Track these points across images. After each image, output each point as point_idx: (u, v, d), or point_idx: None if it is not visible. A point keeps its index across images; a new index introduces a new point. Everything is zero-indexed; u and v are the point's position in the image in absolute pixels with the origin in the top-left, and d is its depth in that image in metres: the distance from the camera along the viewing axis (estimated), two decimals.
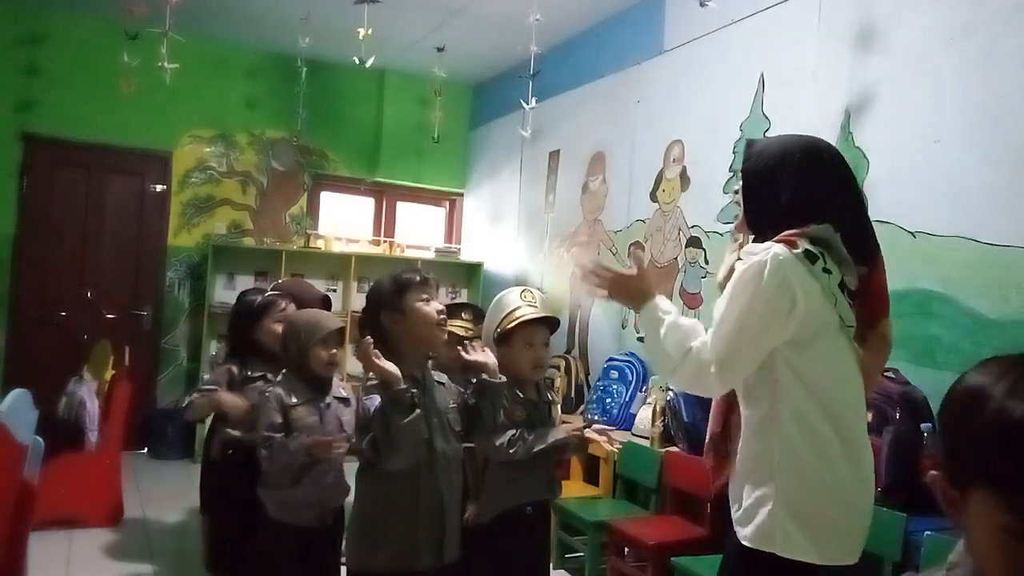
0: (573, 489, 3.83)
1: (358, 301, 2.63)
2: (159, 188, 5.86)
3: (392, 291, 2.07)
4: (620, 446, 3.73)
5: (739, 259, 1.71)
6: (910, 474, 2.50)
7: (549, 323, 2.45)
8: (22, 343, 5.44)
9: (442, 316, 2.08)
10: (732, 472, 1.79)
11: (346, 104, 6.28)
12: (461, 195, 6.78)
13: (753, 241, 1.77)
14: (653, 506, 3.52)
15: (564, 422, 2.59)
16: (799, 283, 1.60)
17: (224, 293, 5.77)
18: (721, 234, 3.80)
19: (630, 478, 3.72)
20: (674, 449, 3.50)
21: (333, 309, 3.19)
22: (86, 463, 4.17)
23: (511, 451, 2.27)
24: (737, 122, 3.75)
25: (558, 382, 4.64)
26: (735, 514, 1.73)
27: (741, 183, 1.82)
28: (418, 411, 1.94)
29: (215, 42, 5.81)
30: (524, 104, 4.09)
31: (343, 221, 6.48)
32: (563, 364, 4.76)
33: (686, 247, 4.07)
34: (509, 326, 2.35)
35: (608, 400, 4.19)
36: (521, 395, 2.37)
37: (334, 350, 2.53)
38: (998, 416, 0.79)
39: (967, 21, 2.74)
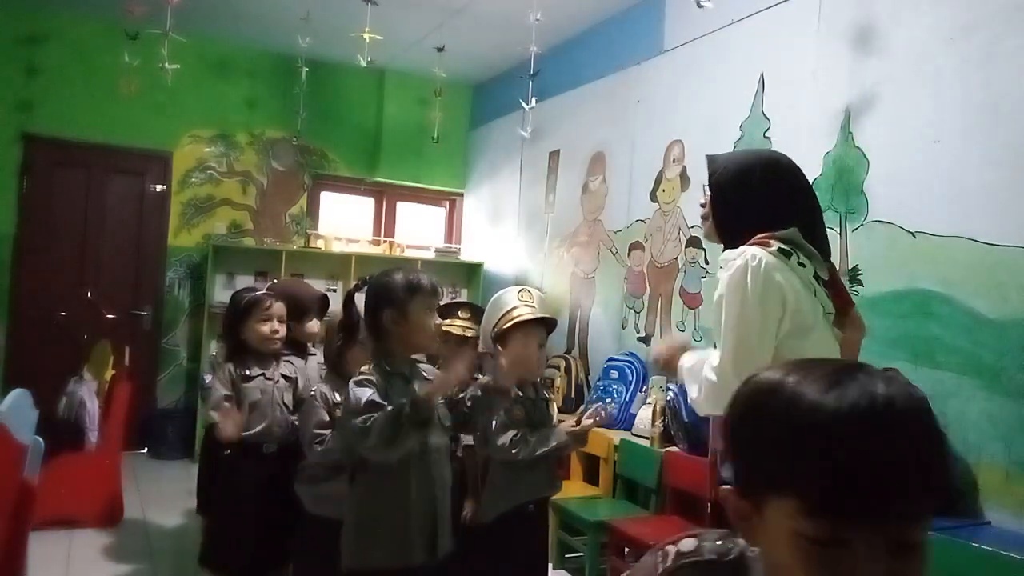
0: (573, 489, 3.83)
1: (358, 301, 2.66)
2: (159, 188, 5.86)
3: (402, 293, 2.06)
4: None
5: (720, 267, 1.80)
6: None
7: (546, 323, 2.46)
8: (22, 343, 5.44)
9: (438, 328, 2.13)
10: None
11: (346, 104, 6.28)
12: (461, 195, 6.78)
13: (724, 248, 1.89)
14: (653, 506, 3.52)
15: (561, 420, 2.58)
16: (782, 278, 1.71)
17: (224, 293, 5.75)
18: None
19: (630, 478, 3.72)
20: (674, 449, 3.50)
21: (332, 309, 3.18)
22: (86, 463, 4.17)
23: (513, 451, 2.28)
24: (737, 122, 3.75)
25: (558, 382, 4.64)
26: None
27: (709, 195, 1.95)
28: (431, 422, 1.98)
29: (215, 42, 5.81)
30: (524, 104, 4.09)
31: (343, 221, 6.48)
32: (563, 364, 4.76)
33: (686, 247, 4.07)
34: (506, 326, 2.36)
35: (608, 400, 4.18)
36: (520, 394, 2.38)
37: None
38: (789, 408, 0.71)
39: (967, 21, 2.74)
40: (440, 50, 4.71)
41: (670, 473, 3.42)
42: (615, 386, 4.21)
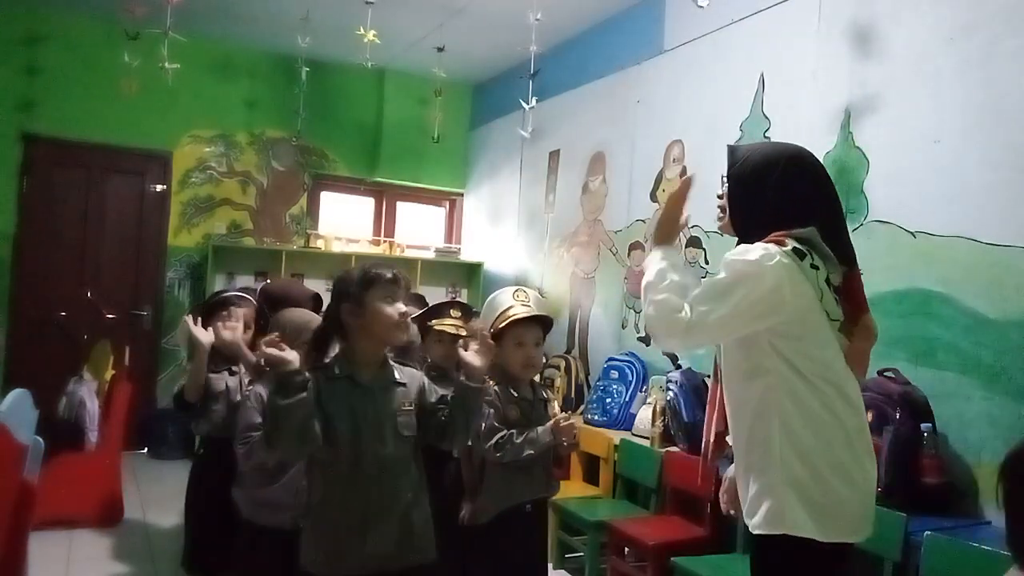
0: (573, 489, 3.83)
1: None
2: (159, 188, 5.87)
3: (357, 285, 1.97)
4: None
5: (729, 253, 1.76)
6: (910, 474, 2.51)
7: (542, 322, 2.45)
8: (22, 343, 5.44)
9: (403, 317, 1.97)
10: (736, 472, 1.82)
11: (346, 104, 6.28)
12: (461, 195, 6.78)
13: (738, 243, 1.83)
14: (653, 506, 3.52)
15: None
16: (789, 279, 1.66)
17: None
18: (721, 234, 3.79)
19: (630, 478, 3.72)
20: (674, 449, 3.50)
21: None
22: (86, 463, 4.17)
23: (498, 455, 2.27)
24: (737, 122, 3.75)
25: (558, 382, 4.64)
26: (744, 509, 1.77)
27: (727, 187, 1.87)
28: (303, 395, 1.80)
29: (215, 42, 5.81)
30: (524, 104, 4.09)
31: (343, 221, 6.48)
32: (563, 364, 4.76)
33: (686, 247, 4.07)
34: (501, 325, 2.36)
35: (608, 400, 4.19)
36: (515, 394, 2.37)
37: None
38: None
39: (967, 21, 2.74)
40: (440, 50, 4.71)
41: (670, 473, 3.42)
42: (615, 386, 4.21)
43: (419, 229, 6.78)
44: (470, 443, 2.29)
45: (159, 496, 4.63)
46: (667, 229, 1.90)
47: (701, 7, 3.27)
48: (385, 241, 6.49)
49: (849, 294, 1.78)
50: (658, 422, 3.62)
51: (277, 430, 1.81)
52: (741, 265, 1.68)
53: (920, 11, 2.92)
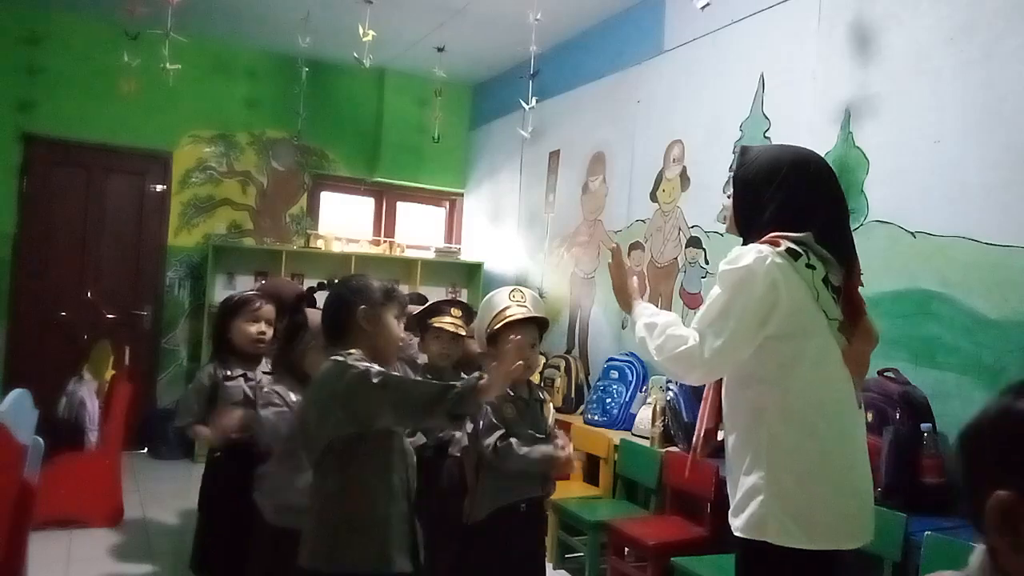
0: (573, 489, 3.83)
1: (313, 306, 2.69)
2: (159, 188, 5.87)
3: (379, 295, 2.00)
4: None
5: (725, 258, 1.77)
6: (910, 474, 2.51)
7: (538, 323, 2.46)
8: (22, 343, 5.44)
9: (403, 341, 2.08)
10: (727, 470, 1.83)
11: (346, 104, 6.28)
12: (461, 195, 6.78)
13: (743, 243, 1.83)
14: (653, 506, 3.52)
15: (555, 434, 2.53)
16: (784, 280, 1.67)
17: (224, 293, 5.75)
18: (721, 234, 3.80)
19: (630, 478, 3.72)
20: (674, 449, 3.50)
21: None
22: (86, 463, 4.17)
23: (496, 457, 2.27)
24: (737, 122, 3.75)
25: (558, 382, 4.64)
26: (730, 508, 1.77)
27: (732, 188, 1.89)
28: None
29: (215, 42, 5.81)
30: (524, 104, 4.09)
31: (343, 221, 6.48)
32: (563, 364, 4.75)
33: (686, 247, 4.07)
34: (498, 326, 2.37)
35: (608, 400, 4.18)
36: (512, 392, 2.38)
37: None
38: None
39: (967, 21, 2.74)
40: (440, 50, 4.72)
41: (670, 473, 3.42)
42: (615, 386, 4.21)
43: (419, 229, 6.78)
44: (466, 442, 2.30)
45: (159, 496, 4.63)
46: (624, 297, 2.02)
47: (704, 8, 3.27)
48: (385, 241, 6.49)
49: (849, 294, 1.78)
50: (658, 422, 3.62)
51: (415, 417, 1.92)
52: (733, 275, 1.70)
53: (920, 11, 2.92)
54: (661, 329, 1.78)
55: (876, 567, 2.41)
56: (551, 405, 2.59)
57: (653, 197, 4.37)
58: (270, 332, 2.85)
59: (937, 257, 2.76)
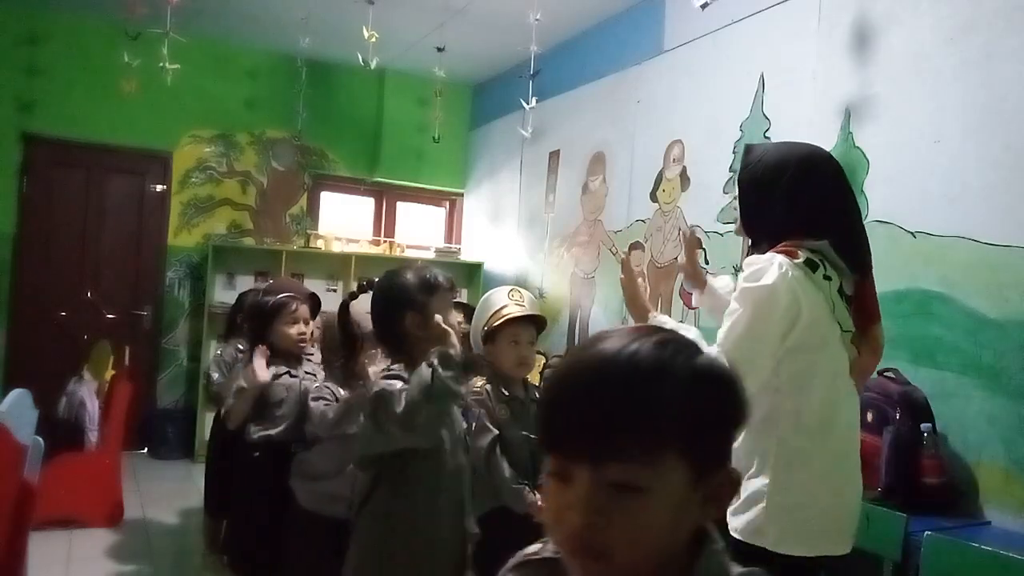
0: None
1: (355, 311, 2.70)
2: (159, 188, 5.87)
3: (419, 293, 1.92)
4: None
5: (741, 270, 1.74)
6: (910, 474, 2.51)
7: (536, 322, 2.46)
8: (22, 343, 5.44)
9: (458, 329, 1.93)
10: None
11: (346, 104, 6.28)
12: (461, 195, 6.78)
13: (751, 246, 1.82)
14: None
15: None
16: (803, 293, 1.65)
17: (224, 293, 5.77)
18: (721, 234, 3.80)
19: None
20: None
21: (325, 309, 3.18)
22: (86, 463, 4.17)
23: (486, 467, 2.27)
24: (737, 122, 3.75)
25: None
26: (729, 508, 1.77)
27: (738, 188, 1.85)
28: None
29: (215, 42, 5.81)
30: (524, 104, 4.09)
31: (343, 221, 6.48)
32: None
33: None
34: (495, 324, 2.37)
35: None
36: (506, 393, 2.37)
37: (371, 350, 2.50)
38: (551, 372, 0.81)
39: (967, 21, 2.74)
40: (440, 50, 4.71)
41: None
42: None
43: (419, 229, 6.78)
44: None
45: (159, 496, 4.63)
46: (637, 311, 1.95)
47: (704, 8, 3.26)
48: (385, 241, 6.49)
49: (861, 302, 1.76)
50: None
51: (428, 407, 1.71)
52: (756, 294, 1.66)
53: (920, 11, 2.91)
54: None
55: (876, 567, 2.41)
56: None
57: (653, 197, 4.37)
58: (308, 330, 2.90)
59: (937, 257, 2.75)
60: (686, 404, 0.73)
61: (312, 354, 2.99)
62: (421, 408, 1.72)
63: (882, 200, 2.98)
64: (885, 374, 2.72)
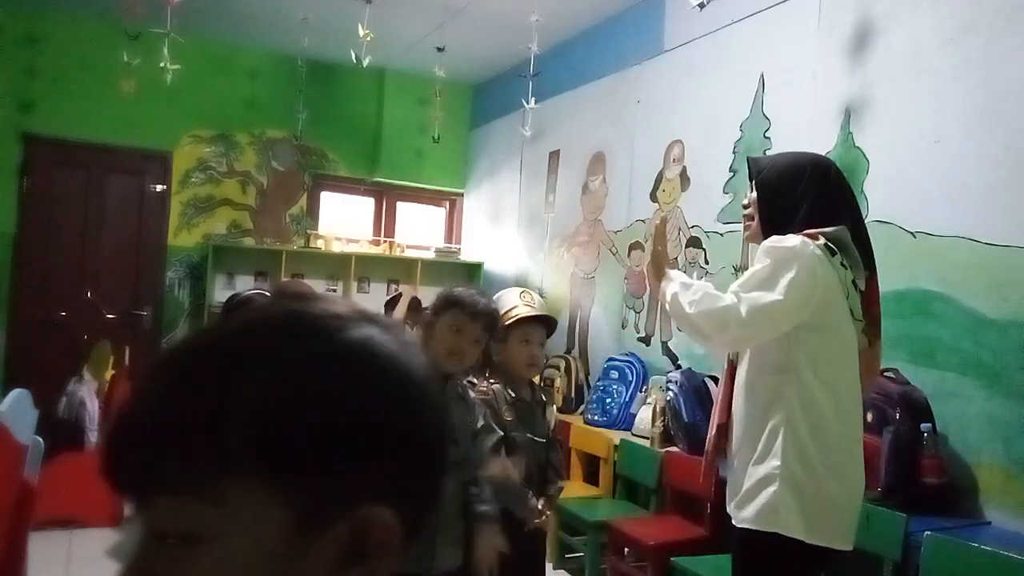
0: (573, 489, 3.83)
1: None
2: (159, 188, 5.86)
3: (433, 310, 2.11)
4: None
5: (741, 270, 1.77)
6: (910, 474, 2.51)
7: (546, 323, 2.46)
8: (22, 343, 5.44)
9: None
10: (730, 466, 1.83)
11: (346, 104, 6.28)
12: (461, 195, 6.78)
13: None
14: (653, 506, 3.52)
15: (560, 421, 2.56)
16: (822, 272, 1.70)
17: (224, 293, 5.76)
18: (721, 234, 3.80)
19: (630, 478, 3.72)
20: (674, 449, 3.50)
21: None
22: (86, 463, 4.16)
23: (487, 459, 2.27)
24: (737, 122, 3.75)
25: (558, 382, 4.63)
26: (734, 500, 1.76)
27: (756, 195, 1.89)
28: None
29: (215, 42, 5.81)
30: (524, 104, 4.09)
31: (343, 221, 6.48)
32: (563, 364, 4.75)
33: (686, 247, 4.07)
34: (506, 323, 2.36)
35: (608, 400, 4.19)
36: (513, 395, 2.37)
37: None
38: None
39: (967, 21, 2.74)
40: (440, 50, 4.71)
41: (670, 473, 3.42)
42: (615, 386, 4.21)
43: (419, 229, 6.77)
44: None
45: None
46: (657, 267, 2.02)
47: (703, 7, 3.26)
48: (385, 241, 6.49)
49: (871, 300, 1.82)
50: (658, 422, 3.62)
51: None
52: (779, 251, 1.72)
53: (920, 11, 2.91)
54: (698, 287, 1.80)
55: (876, 567, 2.41)
56: (554, 408, 2.57)
57: (653, 197, 4.37)
58: None
59: (937, 257, 2.76)
60: (268, 406, 0.48)
61: None
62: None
63: (882, 200, 2.99)
64: (885, 374, 2.72)
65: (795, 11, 3.49)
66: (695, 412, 3.36)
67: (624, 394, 4.15)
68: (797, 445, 1.68)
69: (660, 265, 2.01)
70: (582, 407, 4.49)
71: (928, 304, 2.77)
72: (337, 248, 6.10)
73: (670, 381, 3.61)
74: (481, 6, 4.73)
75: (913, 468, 2.52)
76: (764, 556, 1.72)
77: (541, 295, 5.21)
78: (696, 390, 3.41)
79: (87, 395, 4.29)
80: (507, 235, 6.00)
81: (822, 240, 1.73)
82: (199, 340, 0.55)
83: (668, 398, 3.55)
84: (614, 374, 4.27)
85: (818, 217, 1.78)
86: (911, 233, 2.86)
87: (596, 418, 4.17)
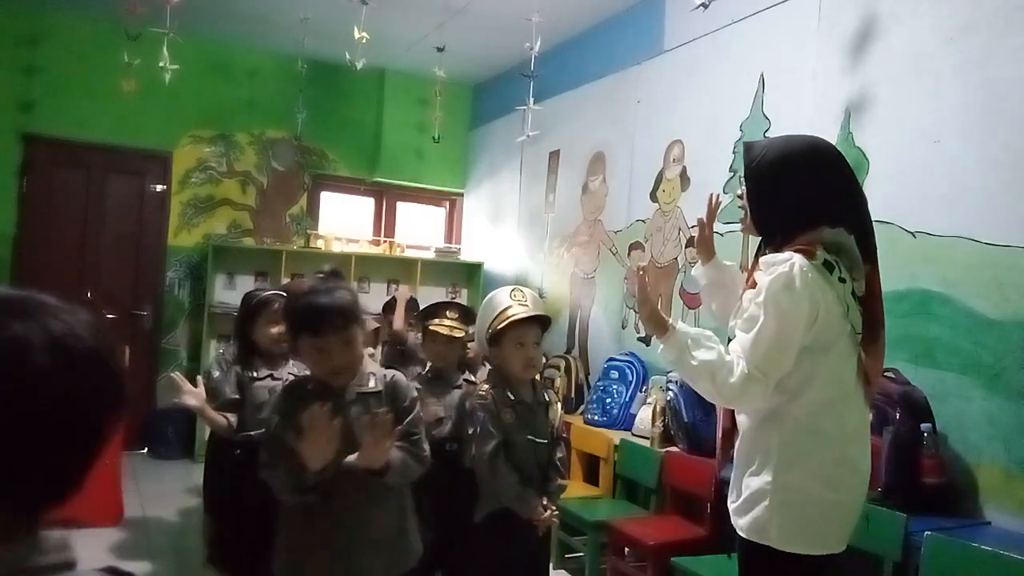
0: (573, 489, 3.82)
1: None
2: (159, 188, 5.86)
3: (288, 330, 1.99)
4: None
5: (759, 269, 1.72)
6: (910, 474, 2.51)
7: (540, 321, 2.43)
8: None
9: (344, 363, 1.92)
10: (732, 467, 1.83)
11: (346, 104, 6.28)
12: (461, 195, 6.78)
13: (761, 242, 1.81)
14: (653, 506, 3.52)
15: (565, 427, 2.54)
16: (822, 294, 1.65)
17: (224, 293, 5.77)
18: (721, 234, 3.79)
19: (630, 478, 3.72)
20: (674, 449, 3.50)
21: None
22: None
23: (489, 471, 2.27)
24: (737, 122, 3.75)
25: (558, 382, 4.63)
26: (733, 504, 1.77)
27: (746, 185, 1.83)
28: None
29: (215, 42, 5.81)
30: (524, 104, 4.09)
31: (343, 221, 6.48)
32: (563, 364, 4.75)
33: (686, 247, 4.07)
34: (500, 326, 2.34)
35: (608, 400, 4.18)
36: (512, 396, 2.35)
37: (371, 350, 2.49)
38: None
39: (967, 21, 2.74)
40: (440, 50, 4.71)
41: (670, 473, 3.42)
42: (615, 386, 4.21)
43: (419, 229, 6.77)
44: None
45: (159, 496, 4.63)
46: (654, 324, 1.78)
47: (706, 7, 3.25)
48: (385, 241, 6.49)
49: (871, 306, 1.76)
50: (658, 422, 3.62)
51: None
52: (780, 302, 1.64)
53: (920, 11, 2.91)
54: (706, 370, 1.69)
55: (876, 567, 2.41)
56: (558, 407, 2.54)
57: (653, 197, 4.37)
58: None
59: (937, 257, 2.76)
60: None
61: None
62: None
63: (882, 200, 2.98)
64: (885, 374, 2.72)
65: (795, 11, 3.49)
66: (695, 412, 3.36)
67: (624, 394, 4.15)
68: (790, 463, 1.67)
69: (658, 320, 1.77)
70: (582, 407, 4.48)
71: (928, 304, 2.77)
72: (337, 248, 6.10)
73: (670, 381, 3.61)
74: (481, 6, 4.73)
75: (913, 468, 2.52)
76: (759, 562, 1.72)
77: (541, 295, 5.21)
78: (697, 392, 3.41)
79: None
80: (507, 235, 6.00)
81: (820, 257, 1.66)
82: None
83: (668, 398, 3.55)
84: (614, 374, 4.27)
85: (811, 210, 1.71)
86: (911, 233, 2.86)
87: (596, 418, 4.17)
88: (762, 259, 1.74)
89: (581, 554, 3.64)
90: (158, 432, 5.59)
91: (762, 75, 3.64)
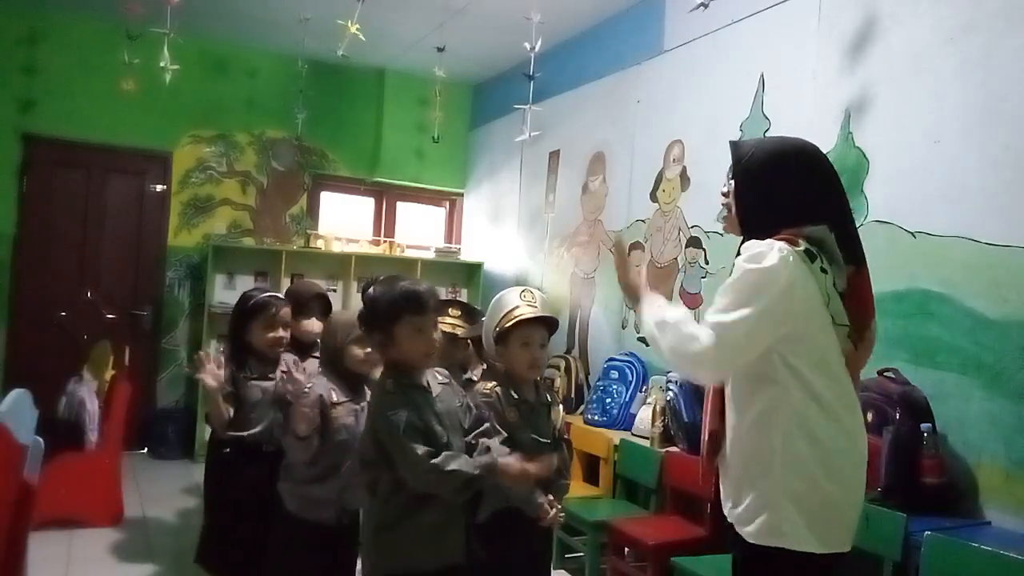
0: (573, 489, 3.81)
1: (358, 301, 2.78)
2: (159, 188, 5.87)
3: (384, 315, 2.04)
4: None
5: (739, 255, 1.72)
6: (910, 474, 2.51)
7: (547, 323, 2.43)
8: (22, 343, 5.44)
9: (436, 346, 2.07)
10: (724, 471, 1.81)
11: (346, 104, 6.28)
12: (461, 195, 6.78)
13: (743, 242, 1.79)
14: (653, 506, 3.52)
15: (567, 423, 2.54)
16: (802, 282, 1.65)
17: (224, 293, 5.77)
18: (721, 234, 3.80)
19: (630, 478, 3.72)
20: (674, 449, 3.50)
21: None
22: (86, 463, 4.17)
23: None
24: (737, 122, 3.75)
25: (558, 382, 4.63)
26: (733, 513, 1.75)
27: (732, 184, 1.82)
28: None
29: (215, 42, 5.82)
30: (524, 104, 4.09)
31: (343, 221, 6.48)
32: (563, 364, 4.76)
33: (686, 247, 4.07)
34: (507, 325, 2.34)
35: (608, 400, 4.19)
36: (516, 396, 2.35)
37: (369, 348, 2.47)
38: None
39: (967, 21, 2.74)
40: (440, 50, 4.71)
41: (670, 473, 3.42)
42: (615, 386, 4.21)
43: (419, 229, 6.78)
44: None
45: (159, 496, 4.63)
46: (631, 292, 1.95)
47: (706, 7, 3.24)
48: (385, 241, 6.49)
49: (857, 296, 1.74)
50: (658, 422, 3.62)
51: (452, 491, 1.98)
52: (755, 276, 1.65)
53: (920, 11, 2.92)
54: (673, 327, 1.74)
55: (876, 567, 2.41)
56: (560, 408, 2.54)
57: (653, 197, 4.37)
58: (288, 335, 2.86)
59: (937, 257, 2.76)
60: None
61: (317, 356, 2.97)
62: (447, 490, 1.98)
63: (882, 200, 2.99)
64: (885, 374, 2.72)
65: (795, 11, 3.49)
66: (695, 412, 3.36)
67: (624, 394, 4.15)
68: (795, 460, 1.66)
69: (631, 291, 1.93)
70: (582, 407, 4.49)
71: (928, 304, 2.77)
72: (337, 248, 6.10)
73: (670, 381, 3.61)
74: (481, 6, 4.73)
75: (913, 468, 2.52)
76: (769, 567, 1.70)
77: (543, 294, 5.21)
78: (696, 390, 3.41)
79: (87, 395, 4.29)
80: (507, 235, 6.00)
81: (802, 246, 1.66)
82: None
83: (668, 398, 3.55)
84: (614, 374, 4.27)
85: (797, 210, 1.71)
86: (911, 233, 2.86)
87: (596, 418, 4.17)
88: (743, 244, 1.74)
89: (581, 554, 3.64)
90: (158, 432, 5.59)
91: (762, 75, 3.64)
